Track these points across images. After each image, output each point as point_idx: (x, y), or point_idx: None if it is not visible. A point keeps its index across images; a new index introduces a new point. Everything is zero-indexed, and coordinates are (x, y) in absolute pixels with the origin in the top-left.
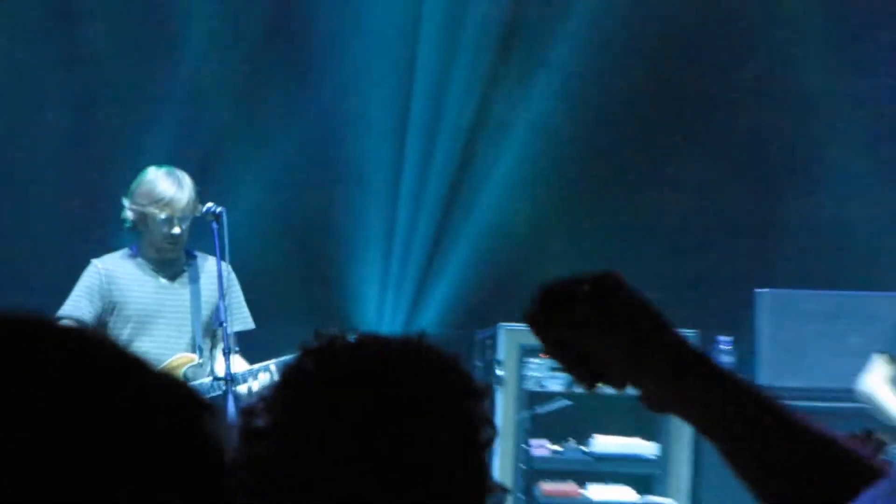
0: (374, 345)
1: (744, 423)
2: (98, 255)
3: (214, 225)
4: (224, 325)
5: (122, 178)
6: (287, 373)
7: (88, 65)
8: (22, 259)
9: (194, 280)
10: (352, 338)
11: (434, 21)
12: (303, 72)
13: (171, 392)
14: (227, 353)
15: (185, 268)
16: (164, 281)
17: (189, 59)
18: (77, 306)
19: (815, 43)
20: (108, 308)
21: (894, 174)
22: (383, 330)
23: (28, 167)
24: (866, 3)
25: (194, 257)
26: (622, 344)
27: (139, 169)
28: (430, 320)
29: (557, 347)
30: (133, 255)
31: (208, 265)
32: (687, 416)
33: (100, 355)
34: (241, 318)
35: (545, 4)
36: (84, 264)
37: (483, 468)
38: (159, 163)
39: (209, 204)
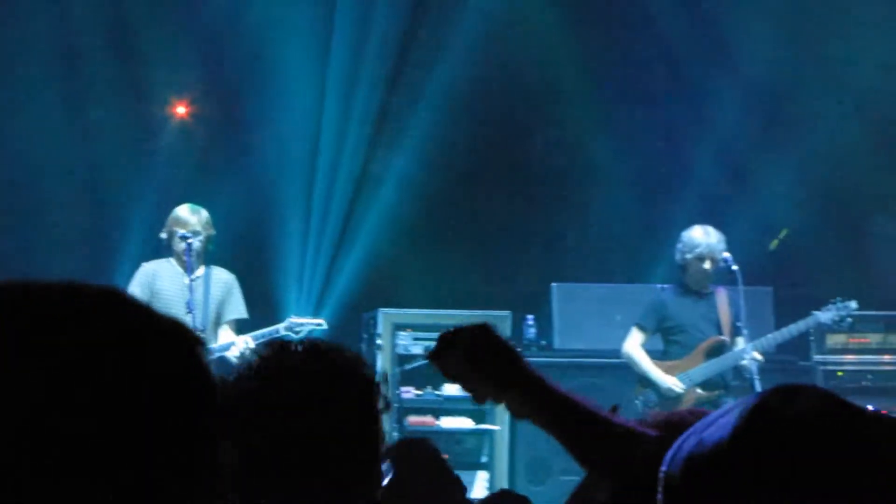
0: (319, 346)
1: (566, 423)
2: (108, 269)
3: (186, 245)
4: (192, 311)
5: (121, 215)
6: (257, 364)
7: (94, 139)
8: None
9: (207, 282)
10: (299, 342)
11: (331, 107)
12: (243, 143)
13: (172, 326)
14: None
15: (204, 273)
16: (188, 281)
17: (165, 133)
18: (132, 293)
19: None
20: (152, 294)
21: (642, 196)
22: (300, 313)
23: (48, 213)
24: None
25: (211, 267)
26: (491, 374)
27: (131, 209)
28: (332, 307)
29: (451, 375)
30: (169, 261)
31: (216, 273)
32: (536, 421)
33: (113, 302)
34: (238, 311)
35: (406, 93)
36: (92, 277)
37: (379, 428)
38: (145, 205)
39: (181, 231)
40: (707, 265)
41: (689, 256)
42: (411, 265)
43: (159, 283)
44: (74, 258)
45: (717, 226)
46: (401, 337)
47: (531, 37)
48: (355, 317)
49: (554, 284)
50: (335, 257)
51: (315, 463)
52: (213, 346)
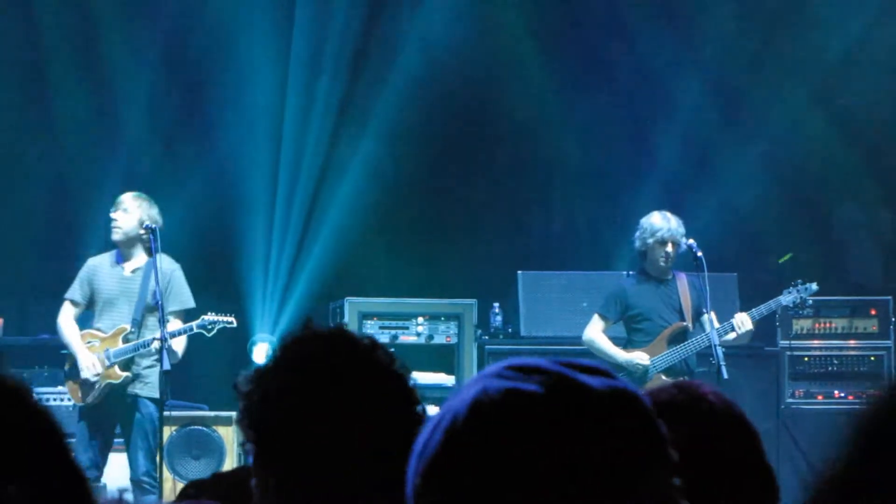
0: (355, 337)
1: None
2: (72, 258)
3: (151, 236)
4: (159, 302)
5: (85, 206)
6: (291, 346)
7: (57, 129)
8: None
9: (147, 273)
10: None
11: (294, 97)
12: (206, 133)
13: None
14: (161, 322)
15: (145, 264)
16: (126, 274)
17: (130, 129)
18: (73, 289)
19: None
20: (92, 290)
21: (607, 183)
22: (264, 303)
23: (12, 204)
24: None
25: (155, 257)
26: None
27: (95, 199)
28: (298, 296)
29: None
30: (113, 254)
31: (159, 264)
32: None
33: None
34: (179, 301)
35: (370, 81)
36: (55, 266)
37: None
38: (109, 196)
39: (147, 222)
40: (668, 249)
41: (650, 241)
42: (377, 254)
43: (97, 278)
44: (38, 247)
45: (681, 213)
46: (367, 326)
47: (495, 26)
48: (322, 306)
49: (520, 272)
50: (301, 246)
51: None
52: (129, 344)
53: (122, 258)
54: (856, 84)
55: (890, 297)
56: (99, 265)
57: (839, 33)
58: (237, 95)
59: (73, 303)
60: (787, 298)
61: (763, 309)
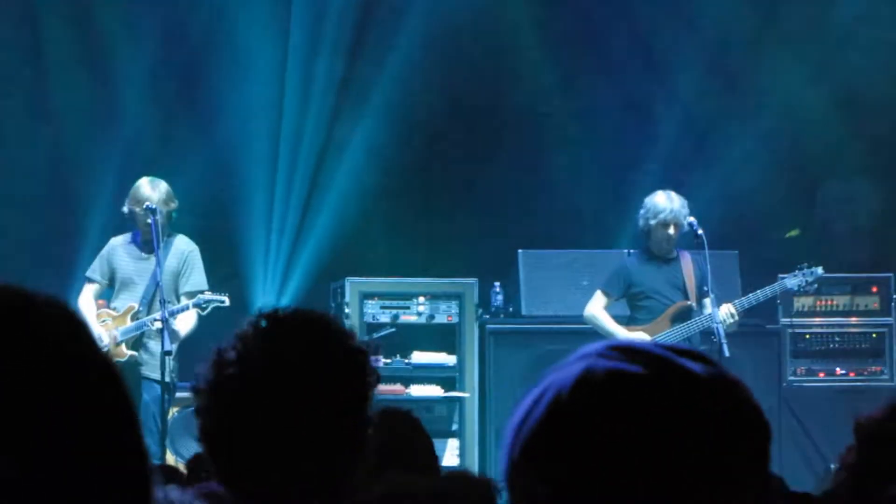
0: (308, 314)
1: None
2: (71, 242)
3: (151, 218)
4: (159, 283)
5: (83, 188)
6: (250, 326)
7: (54, 112)
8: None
9: (164, 255)
10: (288, 310)
11: (294, 77)
12: (206, 115)
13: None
14: (162, 302)
15: (163, 245)
16: (142, 254)
17: (129, 110)
18: (93, 267)
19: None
20: (111, 269)
21: (608, 161)
22: (265, 283)
23: (9, 187)
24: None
25: (172, 238)
26: None
27: (93, 181)
28: (299, 277)
29: None
30: (130, 234)
31: (175, 244)
32: None
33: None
34: (192, 283)
35: (370, 59)
36: (55, 249)
37: (367, 401)
38: (107, 178)
39: (147, 203)
40: (671, 231)
41: (652, 222)
42: (378, 233)
43: (116, 258)
44: (36, 230)
45: (682, 190)
46: (368, 306)
47: (497, 6)
48: (323, 286)
49: (520, 251)
50: (301, 227)
51: (307, 442)
52: (134, 322)
53: (140, 239)
54: (856, 61)
55: (892, 274)
56: (119, 245)
57: (840, 10)
58: (236, 76)
59: (91, 280)
60: (791, 282)
61: (768, 291)
